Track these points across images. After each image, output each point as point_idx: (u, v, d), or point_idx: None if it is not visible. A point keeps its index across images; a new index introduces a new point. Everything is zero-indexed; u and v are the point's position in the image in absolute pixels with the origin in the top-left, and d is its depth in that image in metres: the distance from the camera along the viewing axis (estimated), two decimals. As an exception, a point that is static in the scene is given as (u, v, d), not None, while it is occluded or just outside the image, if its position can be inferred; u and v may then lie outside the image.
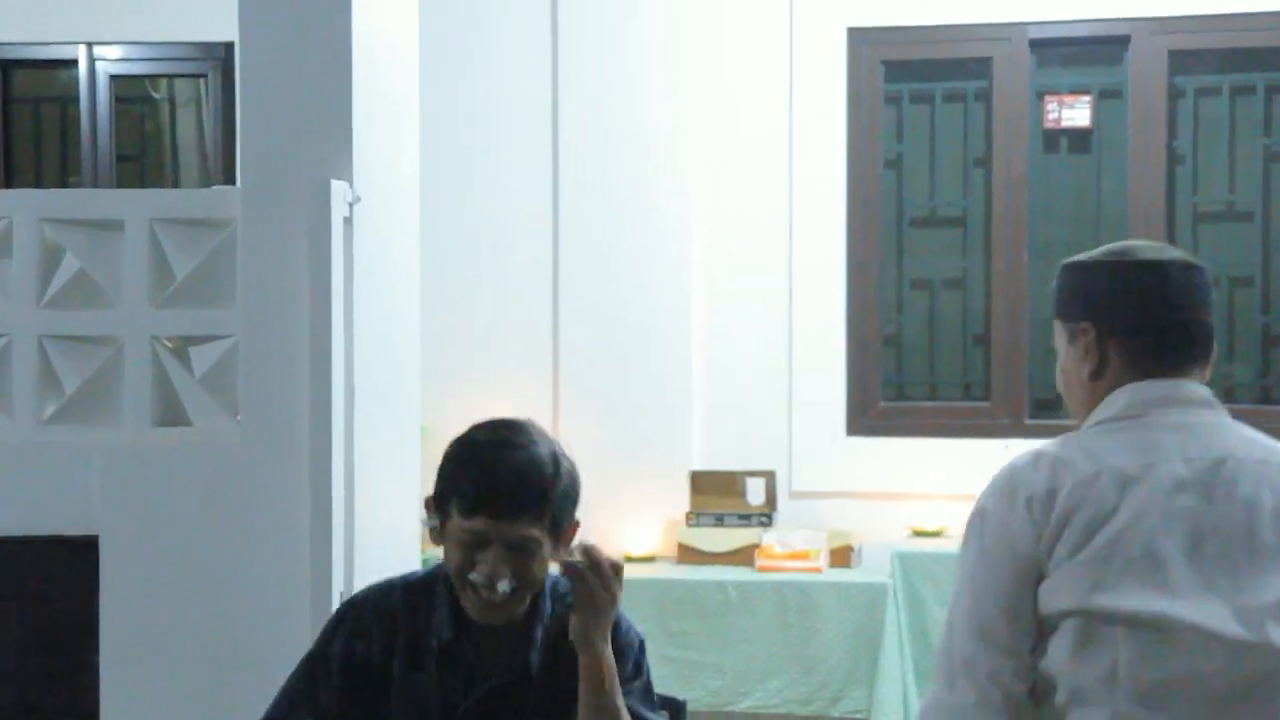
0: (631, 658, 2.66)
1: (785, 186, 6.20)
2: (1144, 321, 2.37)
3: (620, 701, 2.55)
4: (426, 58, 4.40)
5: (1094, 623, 2.20)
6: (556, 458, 2.58)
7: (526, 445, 2.55)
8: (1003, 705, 2.24)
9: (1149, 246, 2.47)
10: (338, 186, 3.72)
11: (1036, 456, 2.33)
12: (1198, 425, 2.32)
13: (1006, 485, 2.30)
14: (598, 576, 2.52)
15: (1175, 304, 2.37)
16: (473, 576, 2.50)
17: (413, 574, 2.73)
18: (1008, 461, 2.36)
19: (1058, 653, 2.23)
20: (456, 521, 2.51)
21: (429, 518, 2.62)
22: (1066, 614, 2.22)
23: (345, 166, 3.77)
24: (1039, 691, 2.26)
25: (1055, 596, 2.23)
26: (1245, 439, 2.33)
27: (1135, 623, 2.18)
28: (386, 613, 2.63)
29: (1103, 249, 2.47)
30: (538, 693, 2.59)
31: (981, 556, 2.29)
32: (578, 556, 2.53)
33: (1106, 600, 2.19)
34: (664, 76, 6.17)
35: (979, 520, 2.32)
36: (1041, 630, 2.25)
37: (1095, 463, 2.27)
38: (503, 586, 2.50)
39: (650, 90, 6.17)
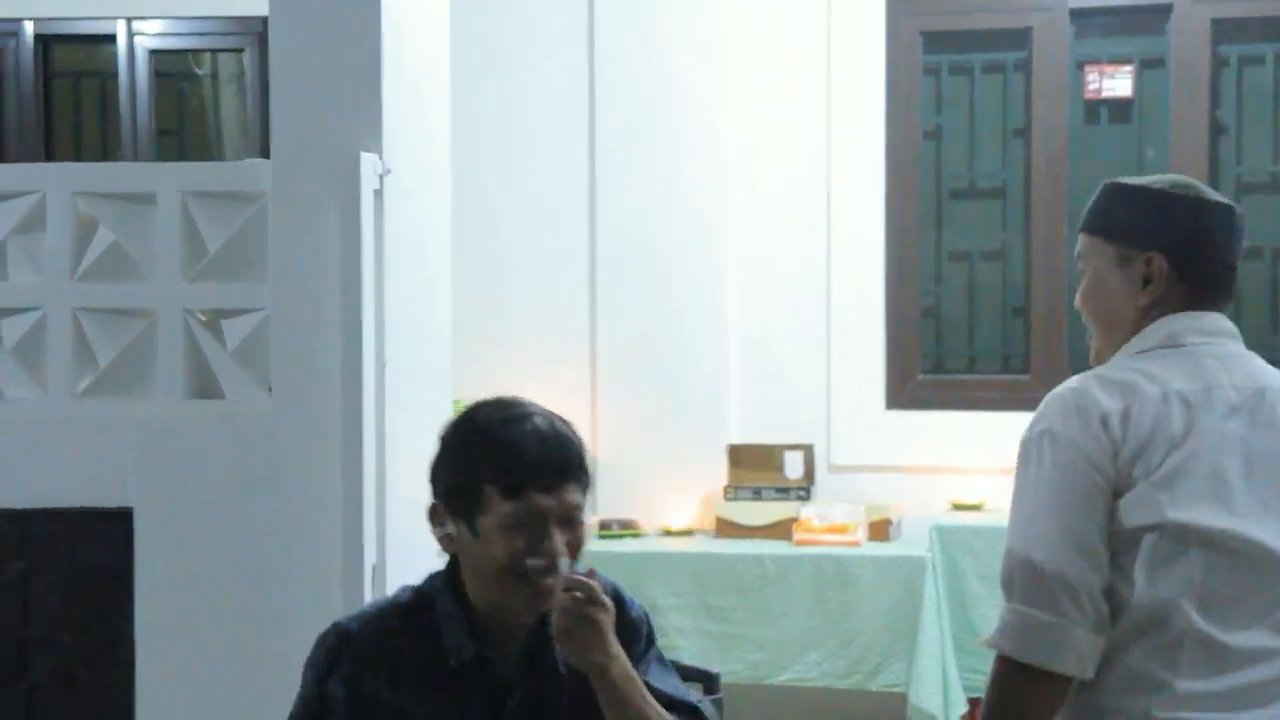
0: (644, 632, 2.55)
1: (823, 158, 6.16)
2: (1214, 262, 2.47)
3: (645, 703, 2.40)
4: (462, 38, 4.40)
5: (1171, 538, 2.29)
6: (564, 419, 2.45)
7: (537, 413, 2.43)
8: (1095, 620, 2.29)
9: (1202, 185, 2.54)
10: (367, 159, 3.73)
11: (1098, 379, 2.39)
12: (1232, 356, 2.44)
13: (1075, 405, 2.35)
14: (592, 600, 2.35)
15: (1234, 248, 2.49)
16: (532, 562, 2.34)
17: (398, 595, 2.53)
18: (1058, 390, 2.41)
19: (1135, 568, 2.30)
20: (500, 509, 2.34)
21: (439, 526, 2.44)
22: (1146, 529, 2.29)
23: (375, 139, 3.77)
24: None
25: (1135, 513, 2.30)
26: (1273, 371, 2.46)
27: (1208, 539, 2.29)
28: (390, 642, 2.43)
29: (1164, 180, 2.53)
30: (570, 693, 2.43)
31: (1057, 475, 2.33)
32: (576, 592, 2.35)
33: (1182, 516, 2.28)
34: (699, 49, 6.14)
35: (1046, 441, 2.35)
36: (1118, 547, 2.31)
37: (1159, 385, 2.35)
38: (564, 565, 2.36)
39: (686, 63, 6.14)
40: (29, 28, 6.61)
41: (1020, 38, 6.18)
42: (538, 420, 2.41)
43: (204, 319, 3.93)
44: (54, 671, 3.94)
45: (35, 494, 3.90)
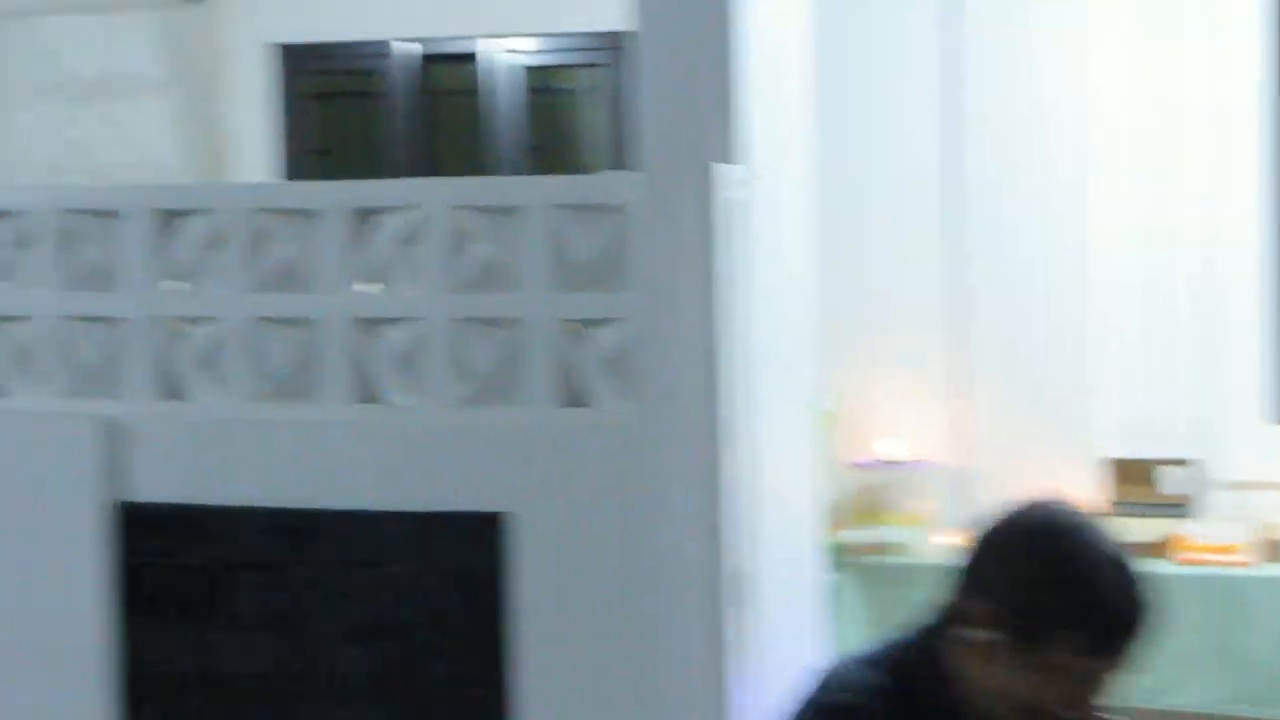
0: None
1: (1203, 157, 5.94)
2: None
3: None
4: (824, 42, 4.39)
5: None
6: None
7: (1121, 554, 2.21)
8: None
9: None
10: (728, 169, 3.73)
11: None
12: None
13: None
14: None
15: None
16: (1065, 714, 2.19)
17: (863, 678, 2.30)
18: None
19: None
20: (1065, 659, 2.16)
21: (975, 629, 2.24)
22: None
23: (736, 149, 3.77)
24: None
25: None
26: None
27: None
28: None
29: None
30: None
31: None
32: None
33: None
34: (1069, 41, 6.02)
35: None
36: None
37: None
38: None
39: (1051, 76, 6.05)
40: (408, 48, 6.88)
41: None
42: (1131, 574, 2.21)
43: (573, 329, 3.98)
44: (437, 670, 4.05)
45: (416, 498, 4.02)
